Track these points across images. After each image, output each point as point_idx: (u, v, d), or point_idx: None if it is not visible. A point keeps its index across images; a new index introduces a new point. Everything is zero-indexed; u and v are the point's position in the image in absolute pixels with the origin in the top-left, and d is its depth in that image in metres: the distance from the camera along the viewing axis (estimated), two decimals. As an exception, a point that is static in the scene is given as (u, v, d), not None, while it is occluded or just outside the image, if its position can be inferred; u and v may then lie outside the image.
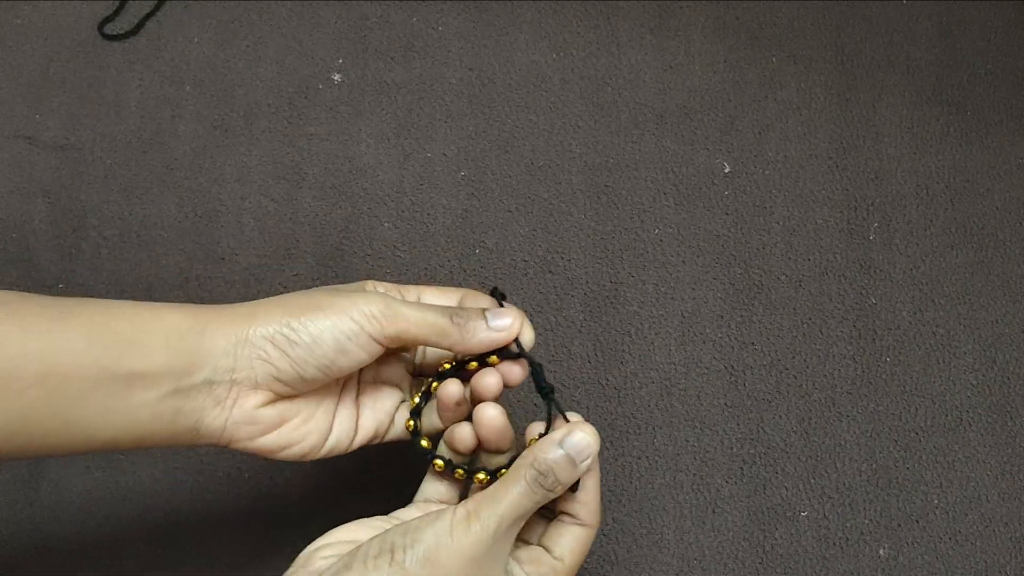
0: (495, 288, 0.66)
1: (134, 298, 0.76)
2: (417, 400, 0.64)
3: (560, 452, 0.57)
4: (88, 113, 0.88)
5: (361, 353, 0.59)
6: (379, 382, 0.66)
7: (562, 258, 0.84)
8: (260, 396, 0.59)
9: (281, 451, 0.61)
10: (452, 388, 0.62)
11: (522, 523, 0.57)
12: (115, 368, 0.55)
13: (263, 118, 0.88)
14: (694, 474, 0.79)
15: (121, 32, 0.90)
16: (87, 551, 0.76)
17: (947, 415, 0.81)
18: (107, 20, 0.90)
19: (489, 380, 0.62)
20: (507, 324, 0.62)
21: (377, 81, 0.90)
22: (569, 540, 0.60)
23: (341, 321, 0.58)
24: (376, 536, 0.55)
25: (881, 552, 0.77)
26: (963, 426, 0.81)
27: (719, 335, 0.83)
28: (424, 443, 0.64)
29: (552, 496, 0.57)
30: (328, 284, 0.67)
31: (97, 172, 0.86)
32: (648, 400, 0.81)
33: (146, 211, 0.85)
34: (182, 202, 0.85)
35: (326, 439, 0.63)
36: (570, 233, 0.85)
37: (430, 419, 0.65)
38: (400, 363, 0.67)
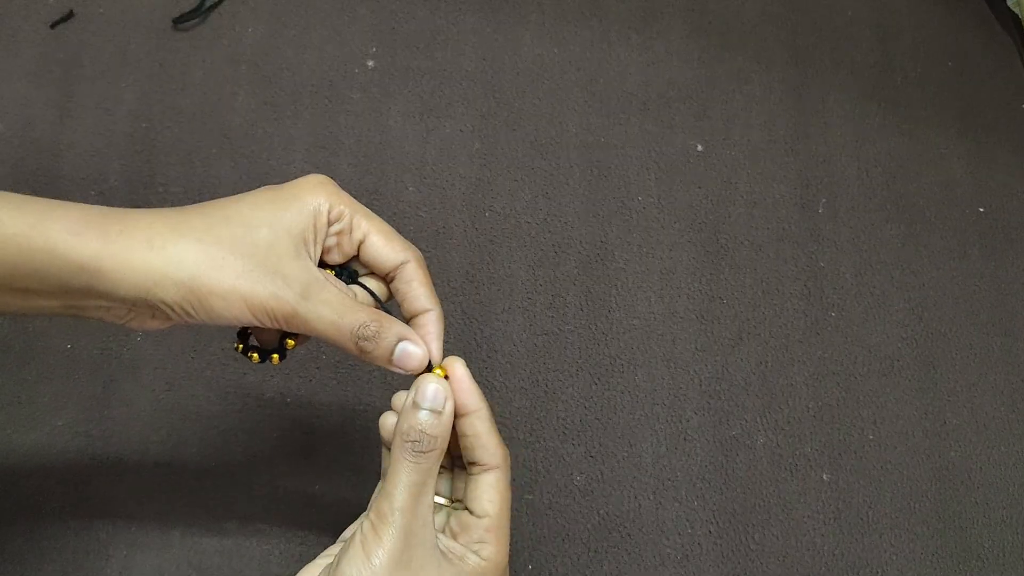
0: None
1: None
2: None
3: (421, 412, 0.46)
4: (158, 89, 0.83)
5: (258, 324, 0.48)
6: None
7: (559, 221, 0.81)
8: (157, 321, 0.48)
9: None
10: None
11: (429, 495, 0.46)
12: (10, 284, 0.44)
13: (307, 96, 0.84)
14: (668, 407, 0.75)
15: (190, 23, 0.85)
16: (150, 461, 0.70)
17: (881, 363, 0.79)
18: (185, 17, 0.85)
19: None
20: (407, 368, 0.49)
21: (405, 67, 0.86)
22: (487, 491, 0.49)
23: (242, 313, 0.46)
24: None
25: (824, 476, 0.74)
26: (895, 372, 0.78)
27: (692, 289, 0.79)
28: (238, 346, 0.53)
29: (437, 454, 0.47)
30: None
31: (164, 139, 0.81)
32: (631, 343, 0.77)
33: (206, 173, 0.80)
34: (236, 166, 0.80)
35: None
36: (566, 200, 0.81)
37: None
38: None
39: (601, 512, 0.71)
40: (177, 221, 0.46)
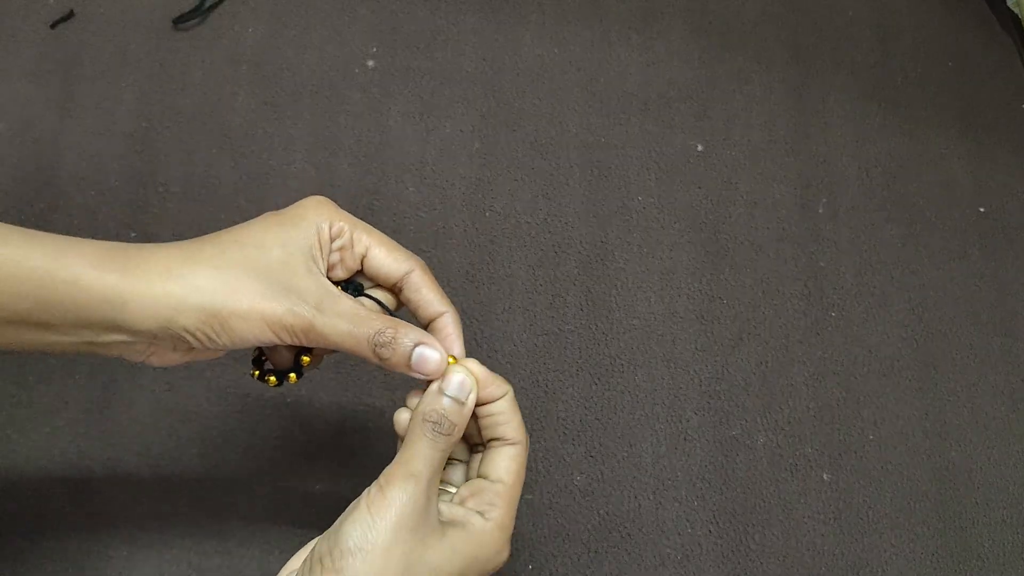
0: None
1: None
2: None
3: (444, 399, 0.48)
4: (158, 89, 0.83)
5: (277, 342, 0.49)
6: None
7: (560, 221, 0.80)
8: (178, 354, 0.49)
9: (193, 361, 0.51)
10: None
11: (438, 476, 0.47)
12: (27, 319, 0.45)
13: (307, 96, 0.83)
14: (668, 407, 0.75)
15: (190, 23, 0.85)
16: (150, 461, 0.70)
17: (881, 363, 0.78)
18: (185, 17, 0.85)
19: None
20: (425, 373, 0.49)
21: (405, 67, 0.85)
22: (504, 460, 0.50)
23: (263, 332, 0.47)
24: (308, 554, 0.46)
25: (824, 476, 0.74)
26: (895, 372, 0.78)
27: (692, 289, 0.79)
28: (255, 372, 0.54)
29: (454, 439, 0.48)
30: None
31: (164, 139, 0.81)
32: (631, 343, 0.76)
33: (206, 173, 0.80)
34: (236, 166, 0.80)
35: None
36: (567, 200, 0.81)
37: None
38: None
39: (601, 512, 0.71)
40: (191, 251, 0.47)
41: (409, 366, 0.49)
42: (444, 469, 0.52)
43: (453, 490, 0.52)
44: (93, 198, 0.78)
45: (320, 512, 0.69)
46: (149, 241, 0.76)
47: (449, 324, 0.52)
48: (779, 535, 0.72)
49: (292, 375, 0.53)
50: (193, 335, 0.46)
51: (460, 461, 0.53)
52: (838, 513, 0.73)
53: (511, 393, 0.51)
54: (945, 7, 0.93)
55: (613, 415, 0.74)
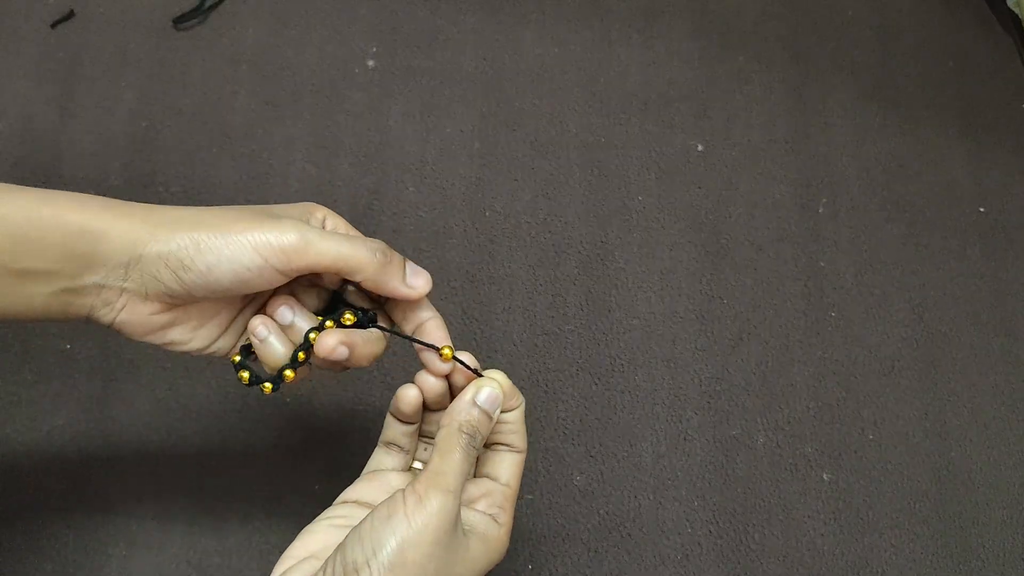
0: None
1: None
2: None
3: (477, 410, 0.49)
4: (158, 89, 0.83)
5: (261, 283, 0.47)
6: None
7: (560, 221, 0.80)
8: (150, 306, 0.47)
9: (164, 347, 0.50)
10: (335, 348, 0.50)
11: (464, 483, 0.48)
12: (9, 264, 0.45)
13: (307, 96, 0.83)
14: (669, 407, 0.75)
15: (190, 23, 0.85)
16: (150, 460, 0.70)
17: (881, 363, 0.78)
18: (185, 16, 0.85)
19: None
20: (419, 286, 0.51)
21: (405, 67, 0.85)
22: (510, 466, 0.52)
23: (243, 253, 0.46)
24: (333, 555, 0.45)
25: (824, 476, 0.74)
26: (895, 373, 0.78)
27: (692, 289, 0.79)
28: (236, 358, 0.53)
29: (479, 451, 0.50)
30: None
31: (165, 138, 0.81)
32: (631, 343, 0.76)
33: (206, 172, 0.80)
34: (237, 165, 0.80)
35: (212, 344, 0.52)
36: (567, 200, 0.81)
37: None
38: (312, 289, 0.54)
39: (601, 512, 0.71)
40: (177, 209, 0.48)
41: (403, 280, 0.50)
42: (427, 449, 0.56)
43: (420, 466, 0.54)
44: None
45: (320, 512, 0.69)
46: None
47: (437, 328, 0.53)
48: (779, 535, 0.72)
49: (267, 385, 0.51)
50: (166, 262, 0.46)
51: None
52: (838, 513, 0.73)
53: (523, 407, 0.53)
54: (945, 7, 0.93)
55: (613, 415, 0.74)
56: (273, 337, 0.51)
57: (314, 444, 0.71)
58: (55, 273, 0.46)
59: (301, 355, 0.50)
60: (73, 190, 0.76)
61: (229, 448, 0.71)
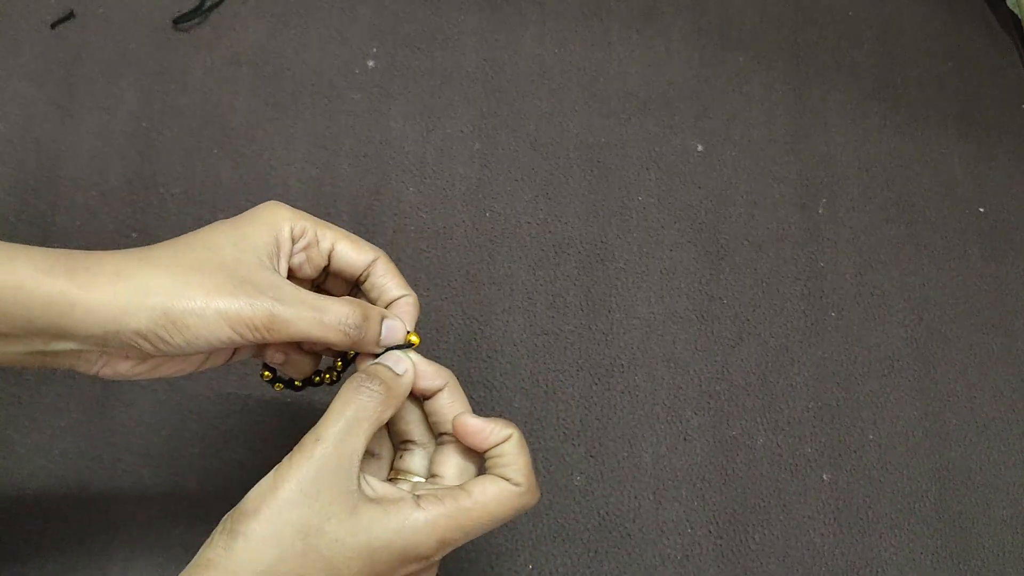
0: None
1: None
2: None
3: (379, 368, 0.48)
4: (158, 89, 0.83)
5: (240, 349, 0.49)
6: None
7: (560, 221, 0.80)
8: (130, 363, 0.47)
9: (157, 378, 0.50)
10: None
11: (359, 439, 0.45)
12: None
13: (307, 96, 0.83)
14: (668, 407, 0.75)
15: (190, 23, 0.85)
16: (151, 462, 0.70)
17: (881, 363, 0.78)
18: (185, 17, 0.85)
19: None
20: (398, 340, 0.50)
21: (405, 67, 0.85)
22: (493, 488, 0.47)
23: (219, 329, 0.45)
24: None
25: (824, 477, 0.74)
26: (894, 373, 0.78)
27: (692, 289, 0.79)
28: (266, 374, 0.54)
29: (380, 401, 0.46)
30: (361, 236, 0.55)
31: (165, 139, 0.81)
32: (631, 343, 0.76)
33: (206, 173, 0.80)
34: (237, 166, 0.80)
35: (203, 365, 0.51)
36: (567, 200, 0.81)
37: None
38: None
39: (601, 512, 0.71)
40: (141, 255, 0.46)
41: (378, 342, 0.49)
42: (403, 457, 0.52)
43: (416, 479, 0.51)
44: (94, 198, 0.78)
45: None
46: (151, 241, 0.76)
47: (408, 304, 0.52)
48: (779, 535, 0.72)
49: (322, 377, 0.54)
50: (144, 337, 0.45)
51: (411, 444, 0.52)
52: (838, 513, 0.73)
53: (516, 438, 0.48)
54: (945, 7, 0.93)
55: (613, 415, 0.74)
56: (292, 355, 0.52)
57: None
58: (25, 339, 0.44)
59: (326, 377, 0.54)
60: (73, 191, 0.77)
61: (230, 449, 0.71)
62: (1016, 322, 0.81)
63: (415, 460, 0.51)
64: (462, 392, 0.51)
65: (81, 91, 0.82)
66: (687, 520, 0.71)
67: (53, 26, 0.84)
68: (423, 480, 0.51)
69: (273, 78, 0.84)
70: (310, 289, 0.51)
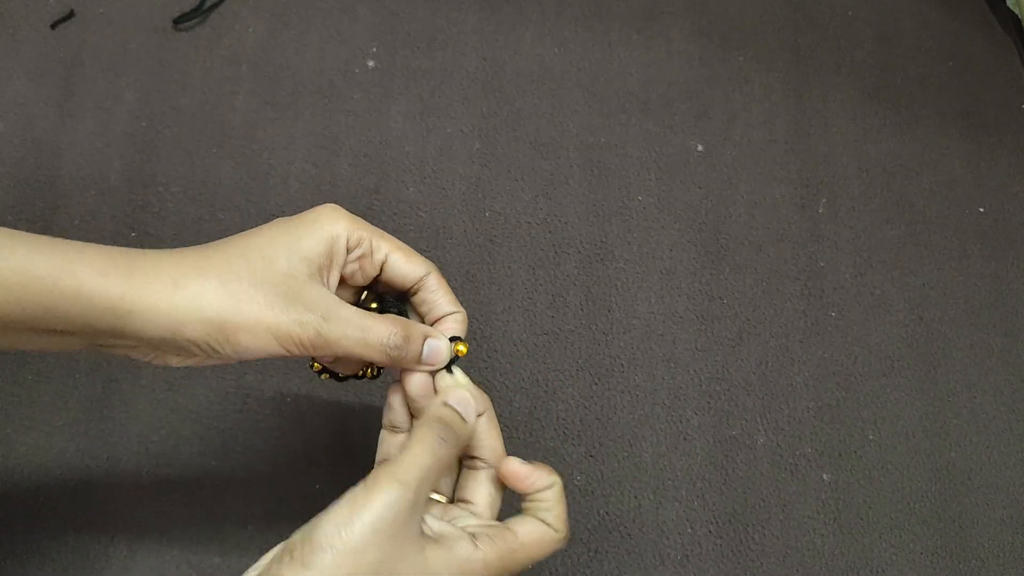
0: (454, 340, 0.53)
1: (197, 241, 0.65)
2: None
3: (447, 410, 0.49)
4: (158, 89, 0.83)
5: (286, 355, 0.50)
6: None
7: (560, 221, 0.80)
8: (181, 357, 0.49)
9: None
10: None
11: (428, 486, 0.45)
12: (34, 325, 0.45)
13: (307, 96, 0.83)
14: (668, 407, 0.75)
15: (190, 23, 0.85)
16: (150, 461, 0.70)
17: (882, 363, 0.78)
18: (185, 16, 0.85)
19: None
20: (441, 361, 0.52)
21: (405, 67, 0.85)
22: (536, 530, 0.50)
23: (268, 344, 0.47)
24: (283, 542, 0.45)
25: (824, 477, 0.74)
26: (895, 372, 0.78)
27: (692, 289, 0.79)
28: (316, 365, 0.55)
29: (454, 452, 0.48)
30: None
31: (165, 138, 0.81)
32: (631, 343, 0.76)
33: (206, 172, 0.80)
34: (237, 165, 0.80)
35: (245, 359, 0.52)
36: (567, 200, 0.81)
37: None
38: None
39: (601, 512, 0.71)
40: (197, 261, 0.47)
41: (420, 361, 0.51)
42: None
43: (439, 498, 0.52)
44: (93, 198, 0.78)
45: (320, 512, 0.69)
46: (149, 241, 0.77)
47: (457, 322, 0.53)
48: (779, 535, 0.71)
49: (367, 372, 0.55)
50: (198, 346, 0.47)
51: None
52: (838, 513, 0.73)
53: (559, 486, 0.50)
54: (945, 7, 0.93)
55: (613, 415, 0.74)
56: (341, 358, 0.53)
57: (315, 444, 0.71)
58: (83, 336, 0.46)
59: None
60: (73, 191, 0.77)
61: (229, 448, 0.70)
62: (1016, 322, 0.80)
63: (441, 482, 0.53)
64: (496, 418, 0.52)
65: (81, 91, 0.82)
66: (687, 520, 0.71)
67: (53, 26, 0.84)
68: (443, 500, 0.52)
69: (273, 78, 0.84)
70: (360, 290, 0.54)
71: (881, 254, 0.82)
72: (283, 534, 0.68)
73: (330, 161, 0.81)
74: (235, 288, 0.47)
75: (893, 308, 0.80)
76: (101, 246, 0.47)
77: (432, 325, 0.53)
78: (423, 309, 0.53)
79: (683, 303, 0.78)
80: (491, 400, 0.52)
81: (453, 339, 0.52)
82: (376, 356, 0.49)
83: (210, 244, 0.49)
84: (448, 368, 0.52)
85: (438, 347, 0.51)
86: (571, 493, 0.71)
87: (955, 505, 0.74)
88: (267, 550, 0.67)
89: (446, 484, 0.53)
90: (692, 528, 0.71)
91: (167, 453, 0.70)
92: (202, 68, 0.84)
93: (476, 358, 0.74)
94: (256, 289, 0.47)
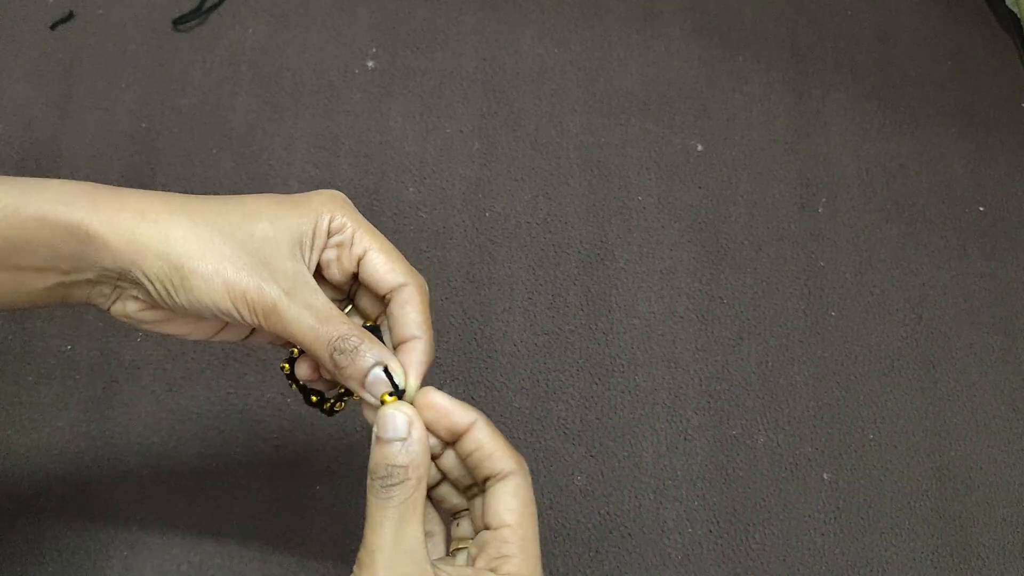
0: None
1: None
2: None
3: (385, 447, 0.43)
4: (158, 90, 0.83)
5: (240, 328, 0.47)
6: None
7: (560, 221, 0.80)
8: (139, 304, 0.46)
9: (168, 333, 0.48)
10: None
11: (412, 528, 0.42)
12: (2, 263, 0.43)
13: (307, 96, 0.83)
14: (669, 407, 0.75)
15: (190, 23, 0.85)
16: (151, 462, 0.70)
17: (881, 362, 0.78)
18: (185, 17, 0.85)
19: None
20: (378, 396, 0.45)
21: (405, 67, 0.85)
22: (503, 499, 0.44)
23: (221, 300, 0.43)
24: None
25: (824, 476, 0.74)
26: (894, 372, 0.78)
27: (692, 289, 0.79)
28: (285, 366, 0.50)
29: (413, 484, 0.43)
30: None
31: (165, 139, 0.81)
32: (631, 343, 0.76)
33: (207, 172, 0.80)
34: (237, 166, 0.80)
35: (216, 335, 0.49)
36: (567, 200, 0.81)
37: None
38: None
39: (602, 512, 0.71)
40: (175, 200, 0.45)
41: (363, 383, 0.45)
42: (459, 524, 0.48)
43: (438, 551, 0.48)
44: (93, 198, 0.78)
45: (320, 512, 0.69)
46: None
47: (417, 351, 0.47)
48: (779, 534, 0.71)
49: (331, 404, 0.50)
50: (152, 284, 0.44)
51: (463, 511, 0.48)
52: (838, 512, 0.73)
53: (482, 420, 0.45)
54: (945, 7, 0.93)
55: (613, 415, 0.74)
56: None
57: (315, 445, 0.71)
58: (48, 270, 0.44)
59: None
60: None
61: (230, 449, 0.70)
62: (1016, 321, 0.80)
63: (465, 527, 0.48)
64: (494, 426, 0.46)
65: (81, 92, 0.82)
66: (687, 519, 0.71)
67: (53, 27, 0.84)
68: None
69: (273, 78, 0.84)
70: (342, 298, 0.50)
71: (881, 253, 0.82)
72: (284, 534, 0.68)
73: (330, 161, 0.81)
74: (205, 233, 0.44)
75: (893, 307, 0.80)
76: (72, 181, 0.45)
77: (395, 347, 0.47)
78: (390, 324, 0.48)
79: (683, 303, 0.78)
80: (490, 401, 0.51)
81: (393, 391, 0.45)
82: (320, 353, 0.44)
83: (195, 196, 0.46)
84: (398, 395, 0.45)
85: (381, 380, 0.45)
86: (572, 493, 0.71)
87: (955, 504, 0.74)
88: (267, 550, 0.67)
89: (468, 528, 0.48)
90: (692, 528, 0.71)
91: (168, 454, 0.70)
92: (202, 69, 0.84)
93: (476, 358, 0.74)
94: (226, 241, 0.44)
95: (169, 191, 0.50)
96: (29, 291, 0.45)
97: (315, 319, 0.44)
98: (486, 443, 0.45)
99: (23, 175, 0.76)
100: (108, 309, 0.47)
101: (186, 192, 0.75)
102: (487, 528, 0.44)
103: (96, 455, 0.69)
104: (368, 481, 0.43)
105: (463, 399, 0.46)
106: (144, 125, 0.81)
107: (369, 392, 0.45)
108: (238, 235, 0.44)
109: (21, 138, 0.79)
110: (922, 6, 0.93)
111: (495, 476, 0.45)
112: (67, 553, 0.66)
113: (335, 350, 0.44)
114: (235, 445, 0.70)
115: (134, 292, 0.45)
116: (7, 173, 0.77)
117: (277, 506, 0.69)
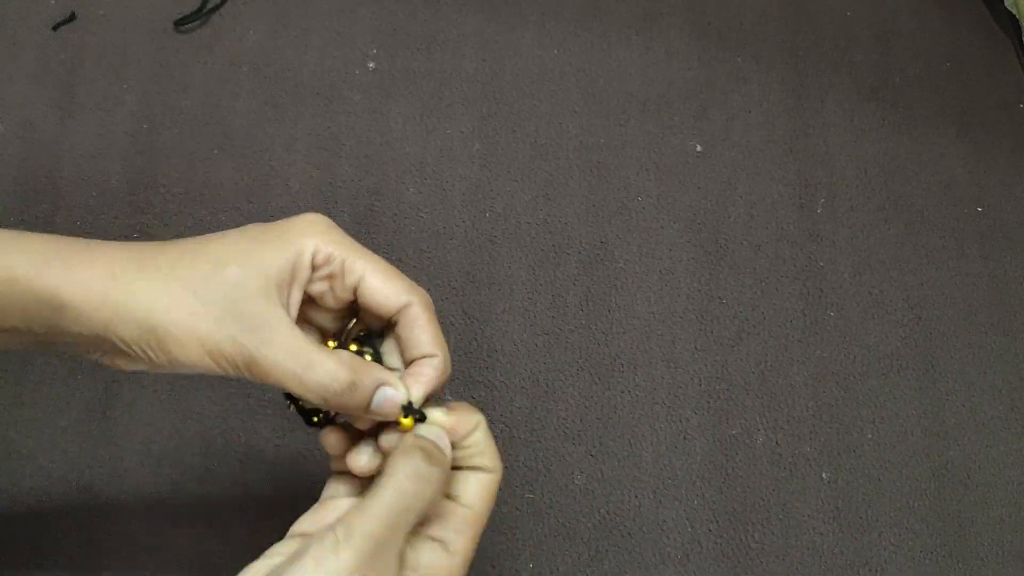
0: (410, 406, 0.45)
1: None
2: None
3: (397, 436, 0.43)
4: (159, 91, 0.83)
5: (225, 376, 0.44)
6: None
7: (560, 222, 0.80)
8: (125, 361, 0.44)
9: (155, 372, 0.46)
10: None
11: (407, 527, 0.41)
12: None
13: (308, 97, 0.83)
14: (668, 406, 0.75)
15: (191, 25, 0.85)
16: (152, 461, 0.70)
17: (880, 362, 0.78)
18: (186, 19, 0.85)
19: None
20: (392, 414, 0.44)
21: (405, 69, 0.85)
22: (475, 486, 0.45)
23: (200, 360, 0.42)
24: None
25: (824, 476, 0.74)
26: (893, 372, 0.78)
27: (691, 289, 0.79)
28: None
29: (432, 492, 0.42)
30: (361, 238, 0.49)
31: (166, 140, 0.81)
32: (630, 343, 0.76)
33: (207, 174, 0.80)
34: (238, 167, 0.80)
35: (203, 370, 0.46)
36: (566, 201, 0.81)
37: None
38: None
39: (602, 511, 0.71)
40: (144, 255, 0.43)
41: (367, 410, 0.44)
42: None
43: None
44: (95, 199, 0.78)
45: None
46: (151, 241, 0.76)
47: (428, 366, 0.46)
48: (779, 534, 0.72)
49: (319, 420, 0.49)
50: (130, 347, 0.42)
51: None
52: (837, 512, 0.73)
53: (484, 423, 0.46)
54: (944, 7, 0.93)
55: (613, 415, 0.74)
56: None
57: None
58: (23, 331, 0.42)
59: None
60: (74, 192, 0.77)
61: (230, 449, 0.71)
62: (1015, 321, 0.80)
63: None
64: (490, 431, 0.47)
65: (82, 92, 0.82)
66: (687, 519, 0.71)
67: (55, 28, 0.84)
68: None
69: (274, 79, 0.84)
70: (340, 319, 0.48)
71: (879, 254, 0.82)
72: (284, 535, 0.68)
73: (331, 162, 0.81)
74: (174, 289, 0.42)
75: (891, 307, 0.80)
76: (46, 235, 0.43)
77: (408, 366, 0.46)
78: (401, 345, 0.46)
79: (682, 303, 0.78)
80: (490, 401, 0.51)
81: (408, 410, 0.44)
82: (313, 399, 0.43)
83: (169, 241, 0.44)
84: (417, 417, 0.45)
85: (391, 399, 0.44)
86: (572, 493, 0.71)
87: (954, 504, 0.74)
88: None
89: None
90: (692, 527, 0.71)
91: (169, 454, 0.70)
92: (203, 70, 0.84)
93: (476, 358, 0.74)
94: (195, 296, 0.42)
95: (170, 198, 0.49)
96: (7, 343, 0.44)
97: (297, 365, 0.42)
98: (484, 443, 0.46)
99: (24, 176, 0.77)
100: (99, 362, 0.45)
101: (187, 192, 0.76)
102: (452, 499, 0.44)
103: (97, 455, 0.69)
104: (399, 454, 0.42)
105: (463, 399, 0.47)
106: (145, 126, 0.81)
107: (379, 415, 0.44)
108: (210, 286, 0.42)
109: (22, 138, 0.79)
110: (921, 7, 0.93)
111: (478, 468, 0.45)
112: (68, 553, 0.67)
113: (328, 393, 0.43)
114: (236, 445, 0.71)
115: (115, 351, 0.43)
116: (10, 174, 0.77)
117: (278, 507, 0.69)
